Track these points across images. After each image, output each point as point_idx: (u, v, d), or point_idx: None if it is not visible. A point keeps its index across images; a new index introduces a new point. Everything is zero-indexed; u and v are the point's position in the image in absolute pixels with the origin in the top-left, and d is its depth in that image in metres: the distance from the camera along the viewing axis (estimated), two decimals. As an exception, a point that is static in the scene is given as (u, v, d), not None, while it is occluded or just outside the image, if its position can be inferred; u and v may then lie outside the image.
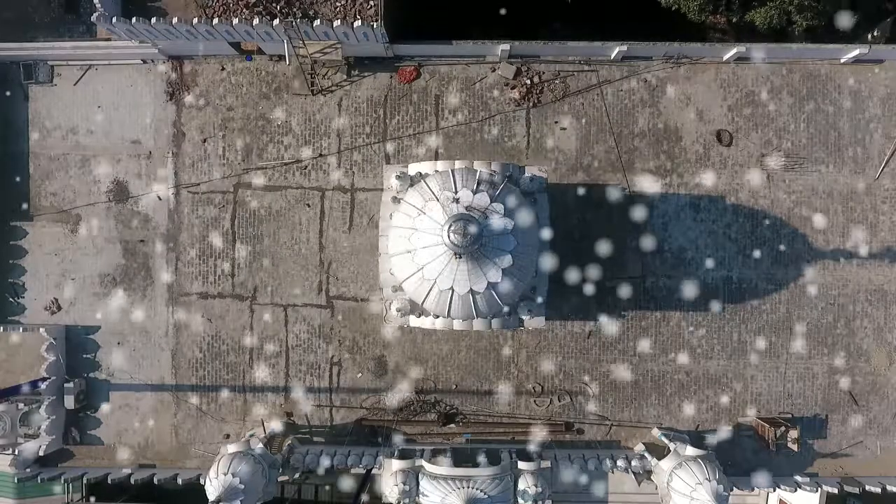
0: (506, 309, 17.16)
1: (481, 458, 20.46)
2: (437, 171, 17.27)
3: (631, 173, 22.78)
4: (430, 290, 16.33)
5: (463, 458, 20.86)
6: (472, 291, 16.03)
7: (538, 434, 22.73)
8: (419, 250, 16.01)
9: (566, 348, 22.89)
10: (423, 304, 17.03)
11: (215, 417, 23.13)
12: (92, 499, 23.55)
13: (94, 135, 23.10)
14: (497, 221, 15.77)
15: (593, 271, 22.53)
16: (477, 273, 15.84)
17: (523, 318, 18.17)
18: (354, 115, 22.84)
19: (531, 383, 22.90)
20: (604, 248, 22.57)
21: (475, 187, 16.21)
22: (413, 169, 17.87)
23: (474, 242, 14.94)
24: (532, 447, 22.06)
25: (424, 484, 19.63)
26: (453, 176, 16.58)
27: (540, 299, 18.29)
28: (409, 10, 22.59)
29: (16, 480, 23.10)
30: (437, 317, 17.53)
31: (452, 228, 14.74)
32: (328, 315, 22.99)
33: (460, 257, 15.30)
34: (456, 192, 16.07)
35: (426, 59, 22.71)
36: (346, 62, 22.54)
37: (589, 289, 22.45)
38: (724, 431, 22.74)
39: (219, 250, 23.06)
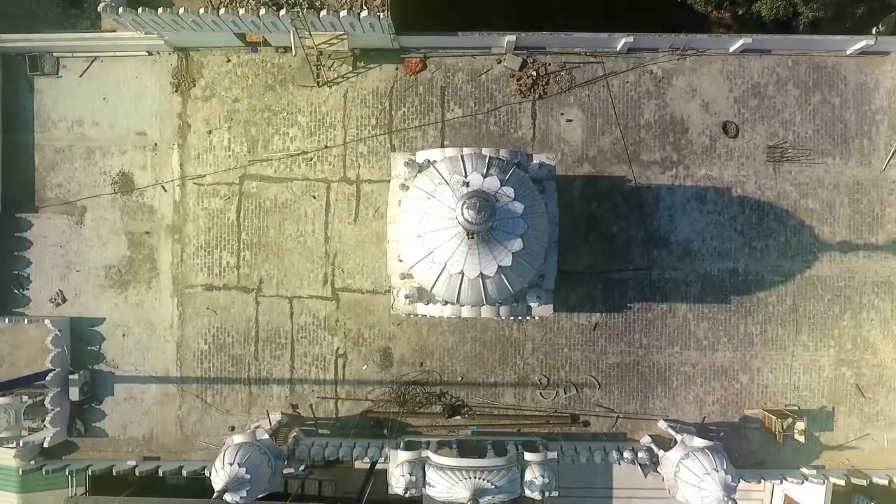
0: (513, 292, 17.02)
1: (488, 450, 20.37)
2: (446, 157, 17.19)
3: (637, 165, 22.77)
4: (440, 274, 16.23)
5: (469, 450, 20.76)
6: (482, 275, 15.92)
7: (544, 426, 22.67)
8: (429, 234, 15.92)
9: (572, 340, 22.84)
10: (431, 289, 16.93)
11: (220, 409, 23.05)
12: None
13: (100, 126, 23.06)
14: (507, 205, 15.70)
15: (599, 263, 22.60)
16: (487, 256, 15.75)
17: (531, 305, 18.11)
18: (360, 107, 22.83)
19: (537, 375, 22.84)
20: (609, 239, 22.66)
21: (485, 171, 16.16)
22: (421, 156, 17.80)
23: (488, 220, 14.84)
24: (538, 439, 21.99)
25: (431, 474, 19.48)
26: (463, 161, 16.52)
27: (548, 287, 18.20)
28: (415, 1, 22.57)
29: (20, 473, 23.08)
30: (446, 303, 17.46)
31: (466, 205, 14.63)
32: (333, 307, 22.94)
33: (472, 237, 15.19)
34: (466, 176, 15.98)
35: (432, 50, 22.71)
36: (352, 53, 22.53)
37: (594, 280, 22.47)
38: (731, 423, 22.69)
39: (224, 242, 23.01)
